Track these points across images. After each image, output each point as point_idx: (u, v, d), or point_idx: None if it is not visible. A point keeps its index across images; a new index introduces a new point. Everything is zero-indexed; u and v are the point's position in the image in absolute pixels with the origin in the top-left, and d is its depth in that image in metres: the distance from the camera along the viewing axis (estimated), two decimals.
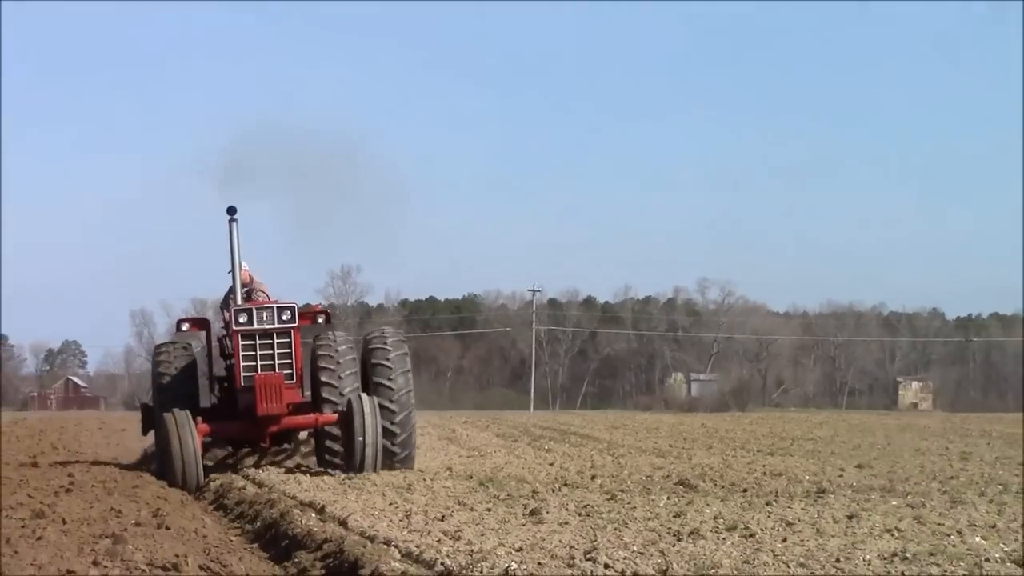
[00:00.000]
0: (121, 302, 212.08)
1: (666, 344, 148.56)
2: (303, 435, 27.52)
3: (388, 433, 24.65)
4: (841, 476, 24.67)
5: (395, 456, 25.01)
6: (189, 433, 23.87)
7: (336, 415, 24.98)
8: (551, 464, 28.86)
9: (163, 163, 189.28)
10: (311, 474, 24.42)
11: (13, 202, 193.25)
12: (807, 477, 24.28)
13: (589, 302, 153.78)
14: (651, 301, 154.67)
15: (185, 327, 27.80)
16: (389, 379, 25.56)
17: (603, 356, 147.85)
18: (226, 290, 26.85)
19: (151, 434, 27.26)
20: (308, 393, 26.18)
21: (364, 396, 24.43)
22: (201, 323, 28.56)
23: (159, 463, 25.40)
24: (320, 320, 26.46)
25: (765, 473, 25.48)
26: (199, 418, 24.86)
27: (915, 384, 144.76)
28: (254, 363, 24.46)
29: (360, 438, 23.73)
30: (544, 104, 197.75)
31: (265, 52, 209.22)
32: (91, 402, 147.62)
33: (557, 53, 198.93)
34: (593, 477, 24.48)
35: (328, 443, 25.63)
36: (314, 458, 27.12)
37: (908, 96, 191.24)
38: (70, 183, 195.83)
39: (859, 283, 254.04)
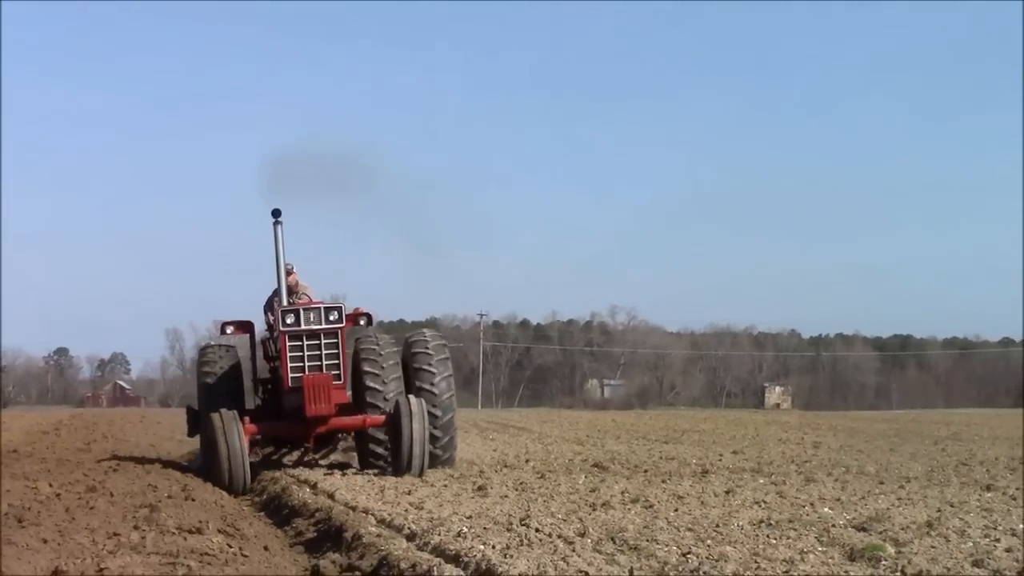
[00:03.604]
0: (158, 322, 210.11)
1: (584, 356, 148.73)
2: (342, 434, 22.98)
3: (431, 436, 20.34)
4: (720, 460, 24.72)
5: (438, 458, 20.86)
6: (236, 434, 19.57)
7: (384, 417, 20.61)
8: (494, 450, 28.78)
9: (195, 193, 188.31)
10: (314, 461, 23.15)
11: (76, 235, 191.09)
12: (694, 461, 24.31)
13: (524, 323, 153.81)
14: (573, 323, 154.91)
15: (229, 330, 22.76)
16: (432, 383, 21.39)
17: (535, 366, 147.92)
18: (270, 292, 22.60)
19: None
20: (349, 394, 21.82)
21: (412, 399, 19.96)
22: (245, 326, 23.10)
23: (205, 463, 21.21)
24: (362, 322, 21.73)
25: (661, 457, 25.49)
26: (246, 418, 20.76)
27: (778, 388, 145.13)
28: (302, 364, 20.31)
29: (408, 441, 19.38)
30: (495, 148, 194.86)
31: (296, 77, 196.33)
32: (134, 401, 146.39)
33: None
34: (527, 460, 24.43)
35: (372, 444, 21.33)
36: (353, 455, 23.03)
37: (778, 146, 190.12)
38: (121, 218, 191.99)
39: (735, 308, 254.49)
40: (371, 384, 21.16)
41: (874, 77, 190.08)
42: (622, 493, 16.13)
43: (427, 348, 21.75)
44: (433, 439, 20.52)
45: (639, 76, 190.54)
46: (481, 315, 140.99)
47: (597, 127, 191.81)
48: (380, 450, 21.13)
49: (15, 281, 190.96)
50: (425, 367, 21.51)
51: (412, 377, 21.56)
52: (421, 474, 19.31)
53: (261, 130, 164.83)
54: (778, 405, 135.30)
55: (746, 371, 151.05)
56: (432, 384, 21.38)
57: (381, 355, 21.40)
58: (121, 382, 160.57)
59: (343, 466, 22.01)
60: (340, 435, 22.89)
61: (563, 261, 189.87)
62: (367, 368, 21.27)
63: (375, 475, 19.76)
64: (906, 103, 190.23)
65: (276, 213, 21.20)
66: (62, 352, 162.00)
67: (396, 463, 19.85)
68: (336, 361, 20.47)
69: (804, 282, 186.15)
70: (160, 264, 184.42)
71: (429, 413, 20.35)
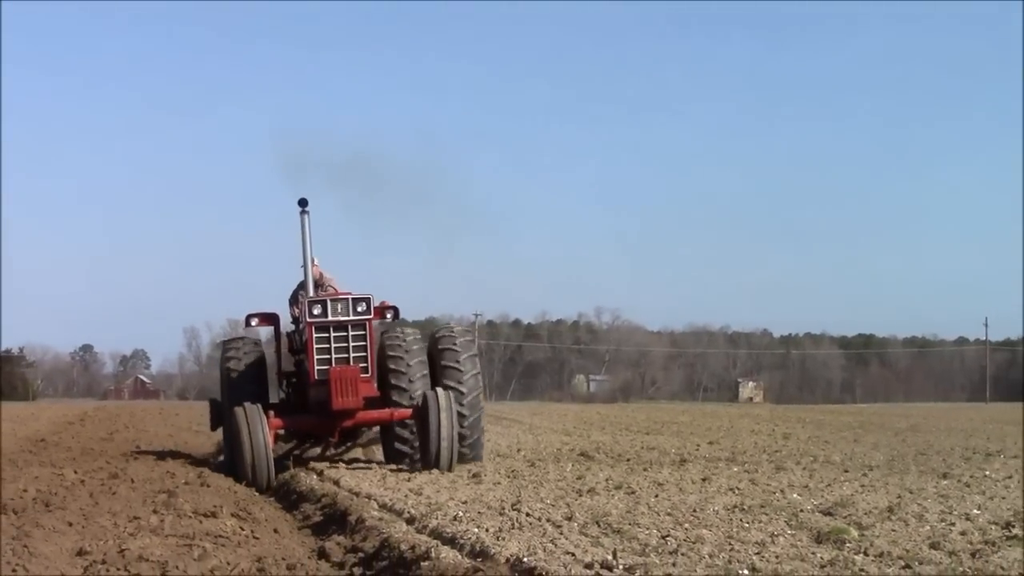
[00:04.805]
0: (176, 320, 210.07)
1: (572, 354, 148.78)
2: (364, 428, 20.66)
3: (458, 432, 18.43)
4: (697, 450, 24.72)
5: (464, 441, 18.93)
6: (260, 429, 17.64)
7: (411, 410, 18.75)
8: (488, 440, 28.67)
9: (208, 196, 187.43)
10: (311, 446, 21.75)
11: (98, 241, 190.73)
12: (673, 450, 24.32)
13: (516, 323, 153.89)
14: (561, 322, 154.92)
15: (254, 322, 20.66)
16: (457, 362, 19.61)
17: (526, 362, 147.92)
18: (295, 285, 20.58)
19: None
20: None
21: (440, 392, 18.21)
22: (270, 318, 20.87)
23: (228, 458, 19.36)
24: (388, 316, 19.81)
25: (643, 447, 25.49)
26: (271, 412, 18.63)
27: (751, 383, 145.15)
28: (328, 356, 18.18)
29: (436, 435, 17.72)
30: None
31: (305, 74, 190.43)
32: (153, 394, 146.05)
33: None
34: (519, 450, 24.42)
35: (397, 439, 19.50)
36: (373, 448, 21.53)
37: (753, 158, 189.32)
38: (140, 223, 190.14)
39: (712, 310, 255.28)
40: (396, 376, 19.31)
41: (844, 87, 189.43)
42: (606, 480, 16.12)
43: (452, 333, 20.12)
44: (460, 437, 18.54)
45: (627, 83, 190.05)
46: (476, 315, 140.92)
47: (585, 134, 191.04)
48: (406, 443, 19.42)
49: (44, 283, 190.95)
50: (451, 348, 19.75)
51: (439, 370, 19.72)
52: (450, 469, 17.66)
53: (272, 132, 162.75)
54: (751, 399, 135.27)
55: (721, 367, 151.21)
56: (457, 362, 19.62)
57: (407, 348, 19.56)
58: (142, 376, 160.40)
59: (369, 462, 20.45)
60: (362, 429, 20.66)
61: (552, 265, 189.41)
62: (392, 356, 19.42)
63: (376, 464, 19.70)
64: (875, 114, 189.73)
65: (303, 203, 19.15)
66: (87, 348, 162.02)
67: (424, 458, 18.17)
68: (364, 354, 18.36)
69: (776, 285, 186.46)
70: (178, 266, 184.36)
71: (456, 393, 18.88)
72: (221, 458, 21.15)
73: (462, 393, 19.32)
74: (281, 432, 19.82)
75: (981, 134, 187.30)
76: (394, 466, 18.81)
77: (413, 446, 19.16)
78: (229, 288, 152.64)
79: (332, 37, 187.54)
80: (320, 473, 17.70)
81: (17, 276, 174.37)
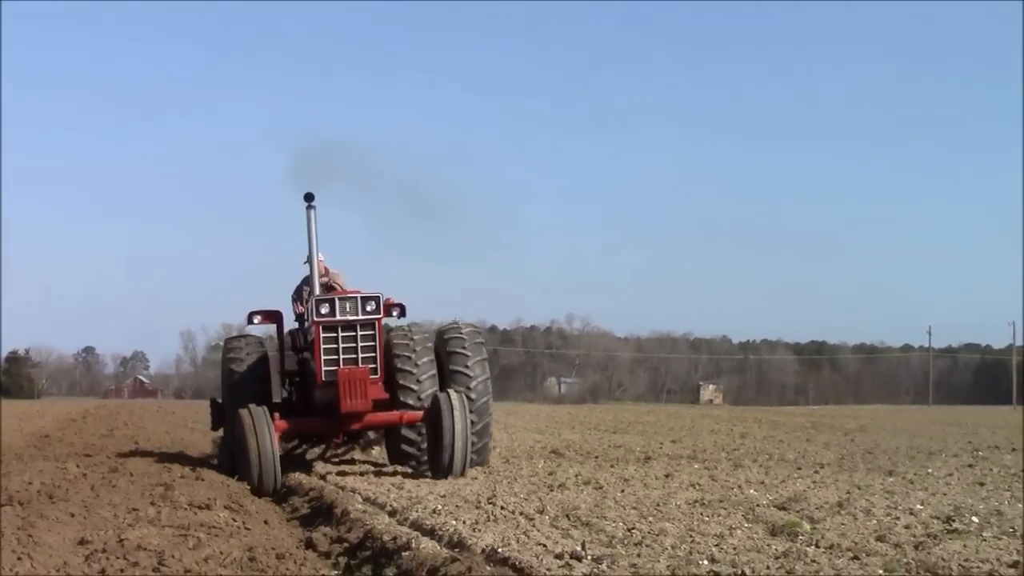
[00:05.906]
0: (173, 324, 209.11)
1: (544, 358, 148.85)
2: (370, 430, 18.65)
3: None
4: (661, 448, 24.72)
5: (473, 445, 16.96)
6: (267, 431, 15.87)
7: (421, 412, 17.00)
8: None
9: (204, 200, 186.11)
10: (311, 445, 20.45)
11: (104, 246, 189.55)
12: (638, 448, 24.31)
13: (492, 328, 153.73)
14: (535, 328, 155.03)
15: (256, 319, 18.65)
16: (466, 366, 17.78)
17: (502, 365, 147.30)
18: (299, 281, 19.07)
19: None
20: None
21: (452, 393, 16.47)
22: (273, 316, 18.88)
23: (232, 461, 17.39)
24: (395, 313, 17.86)
25: (610, 445, 25.47)
26: (276, 414, 16.81)
27: (711, 386, 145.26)
28: (336, 356, 16.39)
29: (450, 440, 15.91)
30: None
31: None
32: (151, 394, 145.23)
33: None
34: (494, 447, 24.25)
35: (404, 442, 17.75)
36: (372, 451, 20.06)
37: (722, 172, 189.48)
38: (142, 229, 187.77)
39: (675, 317, 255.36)
40: (404, 377, 17.50)
41: (801, 102, 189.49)
42: (576, 476, 16.11)
43: (461, 334, 18.21)
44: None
45: (607, 93, 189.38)
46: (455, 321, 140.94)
47: (567, 141, 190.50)
48: (413, 445, 17.71)
49: (49, 288, 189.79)
50: (459, 351, 17.95)
51: (446, 363, 17.91)
52: (463, 475, 15.94)
53: (273, 135, 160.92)
54: (711, 401, 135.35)
55: (684, 371, 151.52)
56: (466, 367, 17.82)
57: (415, 347, 17.77)
58: (141, 377, 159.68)
59: (377, 465, 18.87)
60: (367, 431, 18.80)
61: (528, 273, 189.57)
62: (400, 357, 17.62)
63: (360, 461, 19.61)
64: (829, 128, 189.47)
65: (309, 197, 17.11)
66: (89, 350, 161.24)
67: (436, 463, 16.35)
68: (373, 354, 16.56)
69: (735, 295, 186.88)
70: (175, 272, 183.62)
71: (463, 383, 17.37)
72: (218, 460, 19.69)
73: (469, 377, 17.77)
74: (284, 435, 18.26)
75: (932, 149, 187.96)
76: (377, 464, 18.71)
77: (420, 448, 17.53)
78: (224, 293, 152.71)
79: (329, 39, 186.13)
80: (308, 469, 17.64)
81: (24, 282, 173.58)
